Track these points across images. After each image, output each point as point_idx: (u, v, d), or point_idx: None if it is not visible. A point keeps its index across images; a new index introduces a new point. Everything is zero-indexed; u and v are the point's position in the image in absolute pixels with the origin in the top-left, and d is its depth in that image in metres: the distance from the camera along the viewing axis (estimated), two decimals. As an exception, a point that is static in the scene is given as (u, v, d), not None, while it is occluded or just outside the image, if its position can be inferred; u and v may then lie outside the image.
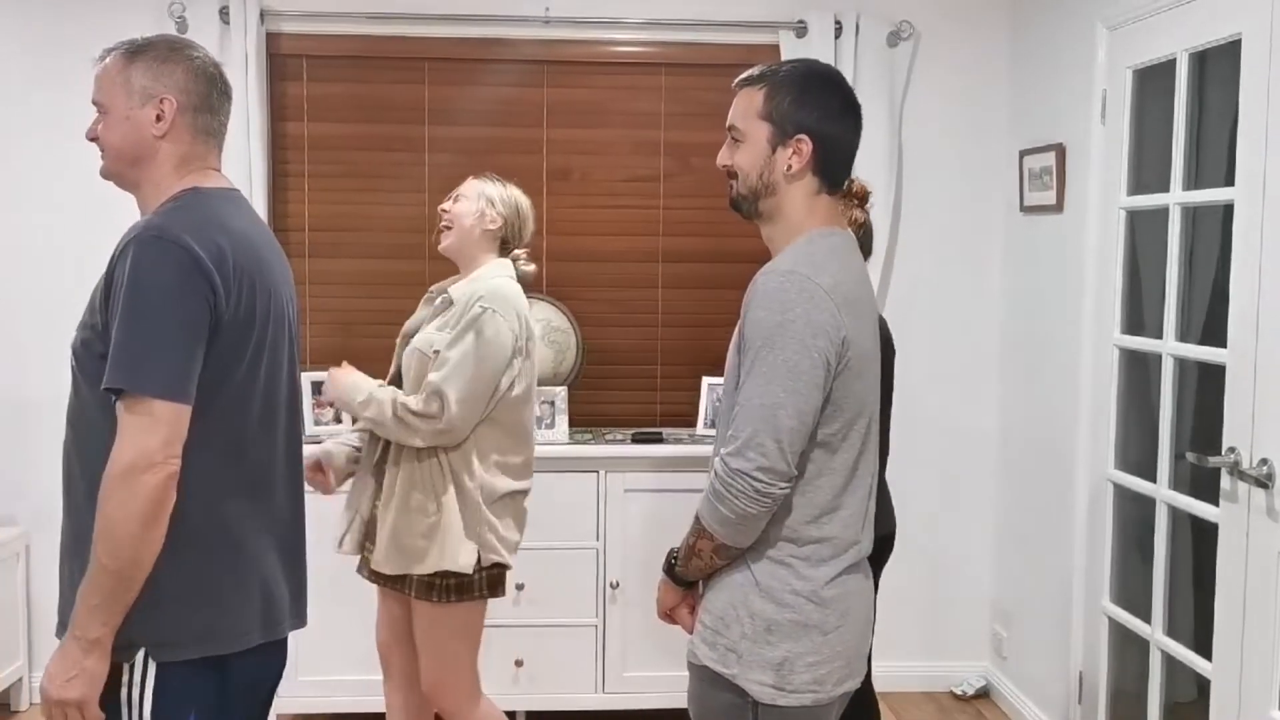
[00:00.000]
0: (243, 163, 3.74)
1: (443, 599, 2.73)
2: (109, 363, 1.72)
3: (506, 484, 2.79)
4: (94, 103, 1.91)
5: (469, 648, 2.85)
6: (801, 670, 1.90)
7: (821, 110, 1.94)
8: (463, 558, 2.71)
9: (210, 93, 1.94)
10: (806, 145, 1.92)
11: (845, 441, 1.91)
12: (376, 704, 3.73)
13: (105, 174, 1.95)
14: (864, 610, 2.00)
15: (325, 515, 3.82)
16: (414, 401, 2.68)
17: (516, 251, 2.94)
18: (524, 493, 2.87)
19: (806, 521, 1.90)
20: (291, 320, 2.02)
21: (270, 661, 1.99)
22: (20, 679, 3.85)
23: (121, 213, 1.91)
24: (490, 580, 2.79)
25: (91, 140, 1.92)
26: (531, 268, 2.97)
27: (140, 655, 1.78)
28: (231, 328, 1.80)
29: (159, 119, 1.88)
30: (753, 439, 1.81)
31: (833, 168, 1.97)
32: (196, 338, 1.75)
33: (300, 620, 2.05)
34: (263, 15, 3.79)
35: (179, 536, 1.76)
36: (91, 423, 1.80)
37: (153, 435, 1.70)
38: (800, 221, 1.95)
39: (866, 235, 2.95)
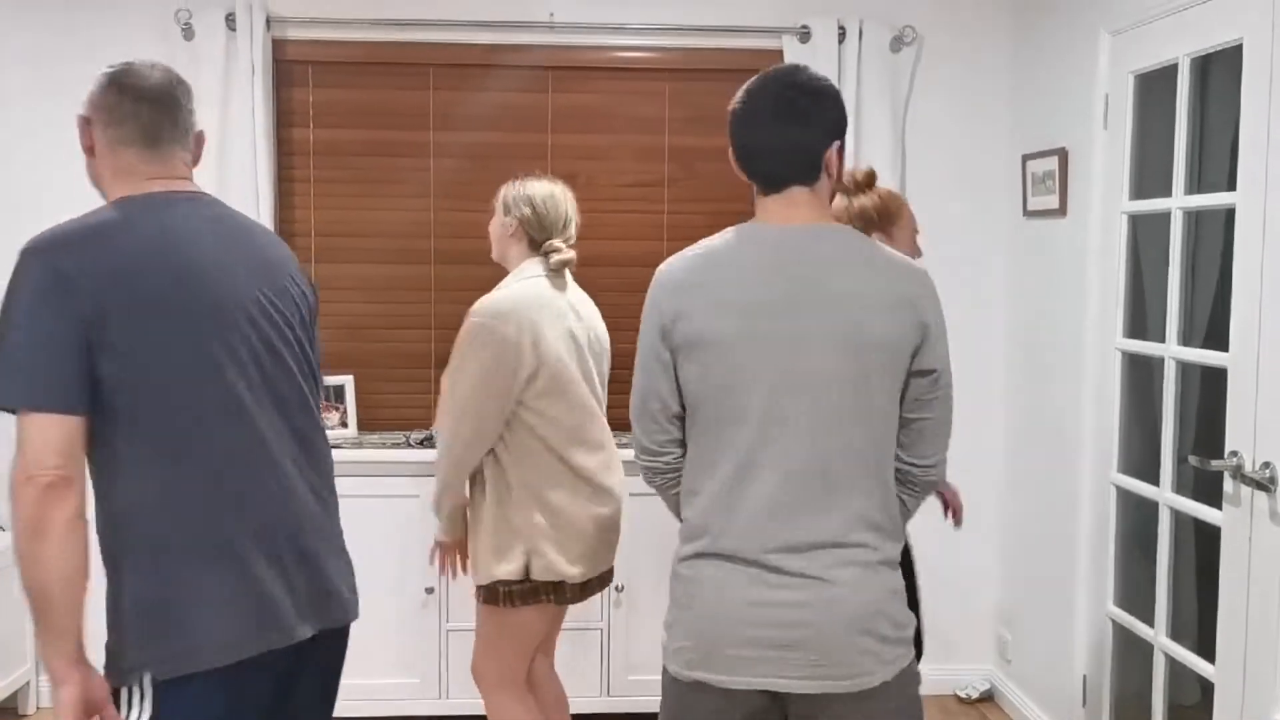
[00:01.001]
0: (249, 169, 3.77)
1: (492, 602, 2.80)
2: None
3: (561, 497, 2.77)
4: None
5: (508, 644, 2.86)
6: (672, 638, 2.03)
7: (733, 116, 2.04)
8: (500, 568, 2.74)
9: (119, 102, 1.92)
10: (730, 151, 2.05)
11: (700, 427, 2.00)
12: (376, 708, 3.76)
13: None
14: (715, 603, 1.96)
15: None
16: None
17: (550, 243, 2.85)
18: (599, 496, 2.83)
19: (682, 499, 2.08)
20: (261, 313, 1.95)
21: (288, 665, 1.96)
22: (28, 682, 3.87)
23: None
24: (548, 588, 2.79)
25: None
26: (565, 255, 2.84)
27: (137, 677, 1.78)
28: (124, 329, 1.78)
29: (83, 139, 1.95)
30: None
31: (748, 167, 2.03)
32: (64, 345, 1.74)
33: (324, 619, 2.01)
34: (269, 22, 3.81)
35: (142, 551, 1.77)
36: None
37: (27, 447, 1.71)
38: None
39: (884, 217, 2.78)
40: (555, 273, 2.85)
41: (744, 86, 2.04)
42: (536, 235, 2.85)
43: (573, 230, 2.91)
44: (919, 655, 2.47)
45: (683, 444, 2.07)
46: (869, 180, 2.82)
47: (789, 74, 2.03)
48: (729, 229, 2.04)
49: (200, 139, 2.06)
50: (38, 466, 1.70)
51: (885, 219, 2.76)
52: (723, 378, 1.94)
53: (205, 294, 1.87)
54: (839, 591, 1.92)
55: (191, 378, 1.84)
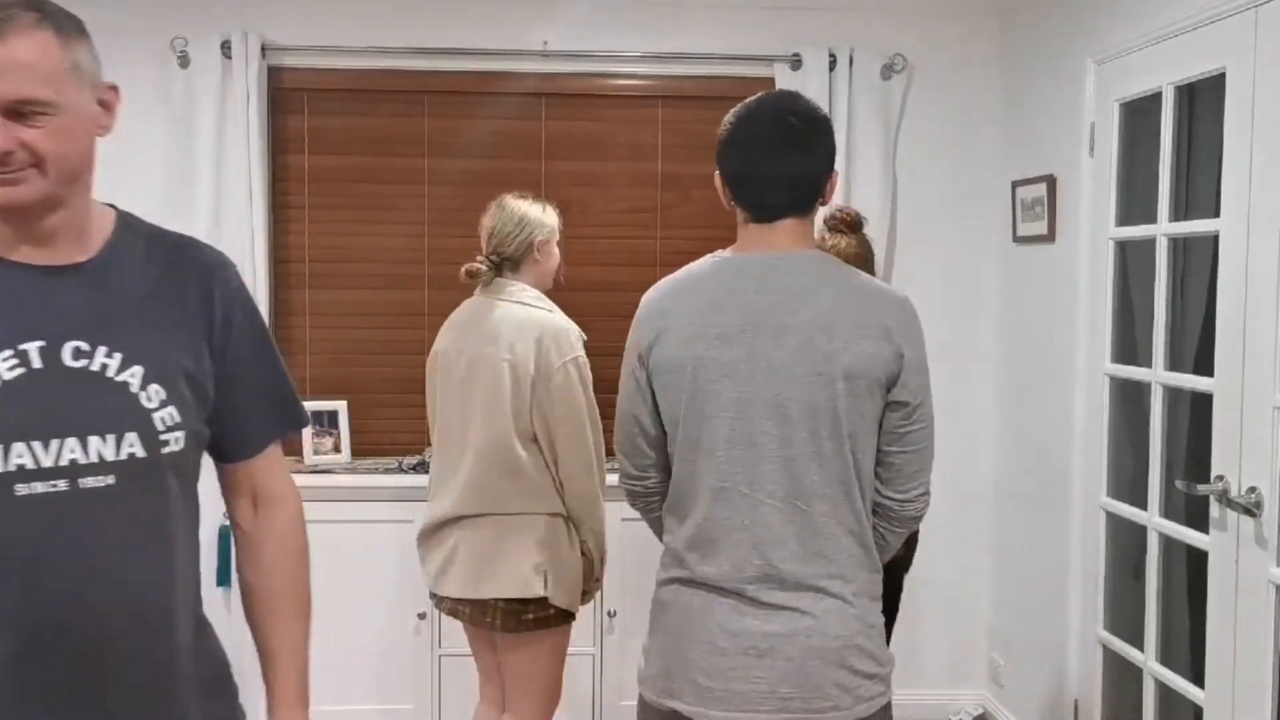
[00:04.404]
0: (244, 195, 3.79)
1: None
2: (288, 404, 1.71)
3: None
4: (25, 100, 1.37)
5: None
6: (648, 664, 2.04)
7: (722, 142, 2.01)
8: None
9: None
10: (718, 177, 2.03)
11: (678, 452, 1.99)
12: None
13: (37, 195, 1.41)
14: (692, 632, 1.95)
15: (326, 546, 3.85)
16: None
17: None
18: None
19: (664, 526, 2.08)
20: None
21: None
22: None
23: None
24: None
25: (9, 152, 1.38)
26: (465, 266, 2.89)
27: None
28: None
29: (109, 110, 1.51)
30: None
31: (741, 196, 2.00)
32: None
33: None
34: (264, 50, 3.84)
35: None
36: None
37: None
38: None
39: (854, 264, 2.87)
40: (483, 290, 2.89)
41: (734, 113, 2.01)
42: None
43: (501, 243, 2.87)
44: None
45: (665, 469, 2.07)
46: (854, 224, 2.89)
47: (788, 101, 2.00)
48: (709, 255, 2.04)
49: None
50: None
51: (857, 266, 2.83)
52: (692, 403, 1.94)
53: None
54: (813, 623, 1.91)
55: None
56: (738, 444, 1.91)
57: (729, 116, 2.02)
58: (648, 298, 2.06)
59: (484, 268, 2.86)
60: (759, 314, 1.92)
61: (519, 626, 2.79)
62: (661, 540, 2.13)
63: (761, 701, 1.90)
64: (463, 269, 2.89)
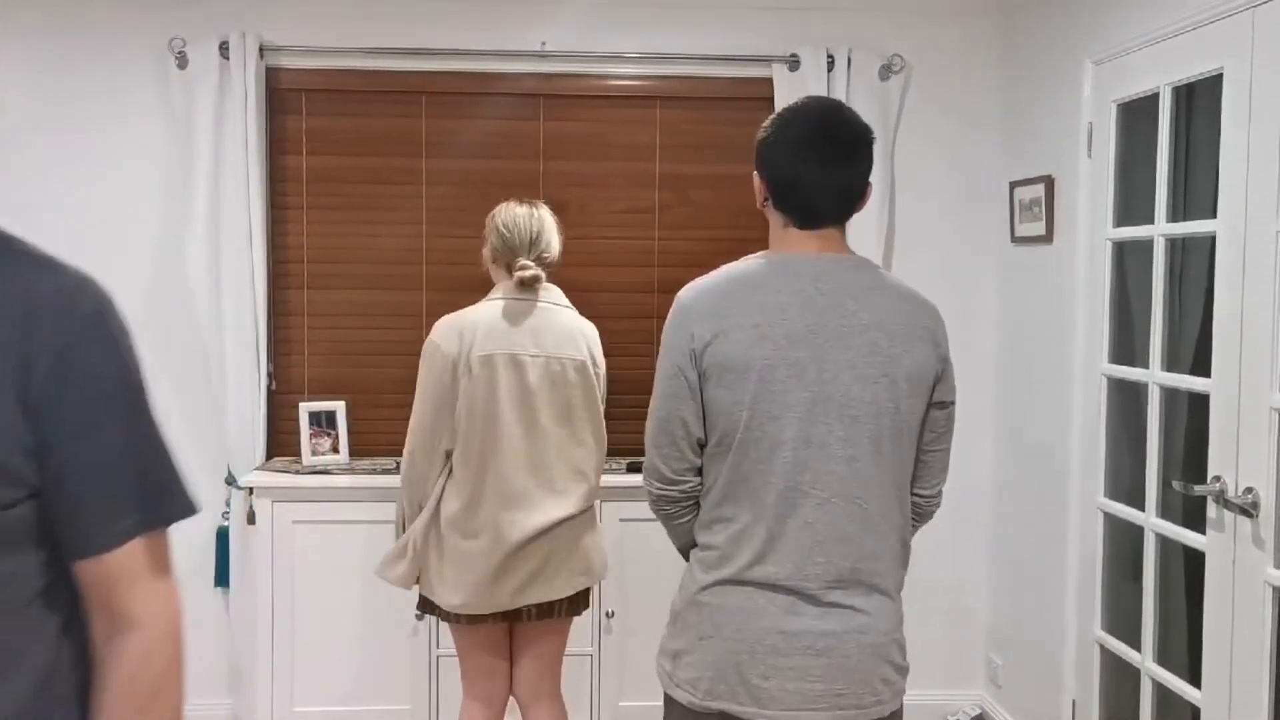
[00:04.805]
0: (242, 196, 3.79)
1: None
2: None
3: (450, 508, 2.81)
4: None
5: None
6: (685, 667, 2.00)
7: (766, 145, 2.02)
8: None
9: None
10: (757, 179, 2.04)
11: (730, 452, 1.96)
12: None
13: None
14: (745, 632, 1.95)
15: (324, 546, 3.86)
16: None
17: (516, 262, 2.86)
18: (466, 531, 2.81)
19: (701, 526, 2.04)
20: None
21: None
22: None
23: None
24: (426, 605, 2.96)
25: None
26: (527, 272, 2.82)
27: None
28: None
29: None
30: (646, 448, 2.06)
31: (785, 202, 2.00)
32: None
33: None
34: (262, 50, 3.84)
35: None
36: None
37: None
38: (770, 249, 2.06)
39: None
40: (524, 293, 2.85)
41: (779, 117, 2.02)
42: (505, 258, 2.90)
43: (546, 248, 2.91)
44: None
45: (698, 472, 2.03)
46: None
47: (835, 111, 2.01)
48: (753, 256, 2.03)
49: None
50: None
51: None
52: (757, 403, 1.92)
53: None
54: (867, 620, 1.95)
55: None
56: (803, 444, 1.92)
57: (774, 121, 2.02)
58: (692, 297, 1.99)
59: (543, 274, 2.88)
60: (823, 316, 1.94)
61: (579, 608, 2.95)
62: (680, 547, 2.12)
63: (817, 700, 1.93)
64: (528, 275, 2.81)
